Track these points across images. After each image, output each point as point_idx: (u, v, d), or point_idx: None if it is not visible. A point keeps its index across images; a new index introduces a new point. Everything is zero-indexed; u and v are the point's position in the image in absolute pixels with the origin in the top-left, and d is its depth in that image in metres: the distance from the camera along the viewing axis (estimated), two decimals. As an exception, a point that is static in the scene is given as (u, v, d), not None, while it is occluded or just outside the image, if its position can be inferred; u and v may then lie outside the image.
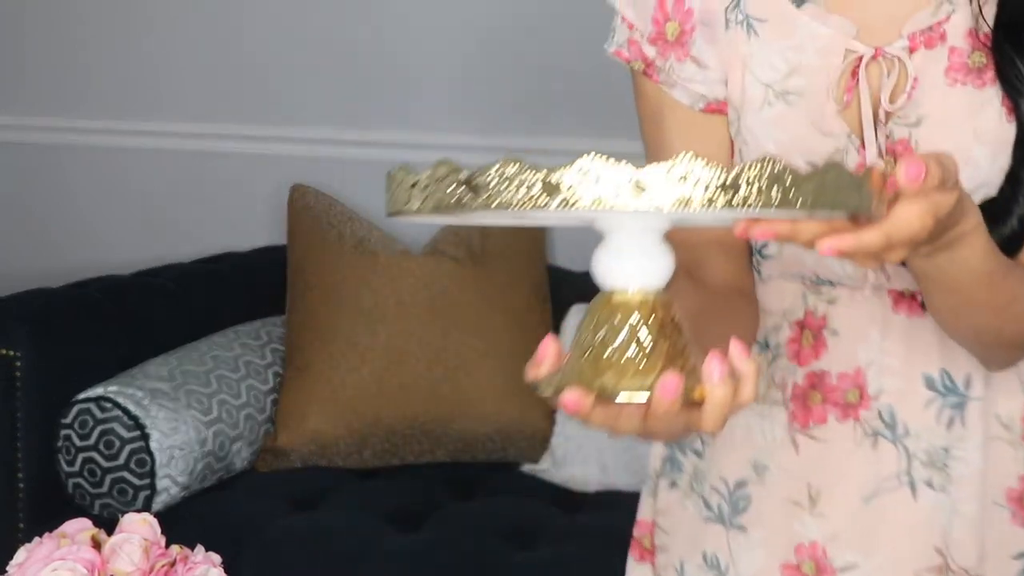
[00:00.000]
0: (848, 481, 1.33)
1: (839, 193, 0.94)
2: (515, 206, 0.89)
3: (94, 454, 2.61)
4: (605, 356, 0.97)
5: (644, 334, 0.97)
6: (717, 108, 1.33)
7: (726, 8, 1.32)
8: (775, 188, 0.91)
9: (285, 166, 3.29)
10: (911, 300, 1.32)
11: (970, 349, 1.30)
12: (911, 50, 1.28)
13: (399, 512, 2.63)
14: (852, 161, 1.28)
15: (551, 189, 0.89)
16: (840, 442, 1.33)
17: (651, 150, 1.37)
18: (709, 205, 0.89)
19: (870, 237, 1.00)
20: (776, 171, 0.91)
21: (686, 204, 0.89)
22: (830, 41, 1.29)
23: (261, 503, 2.67)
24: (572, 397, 0.96)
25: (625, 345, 0.97)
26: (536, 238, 3.07)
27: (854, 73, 1.29)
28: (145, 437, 2.60)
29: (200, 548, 1.37)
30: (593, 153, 0.89)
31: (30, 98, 3.51)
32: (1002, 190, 1.25)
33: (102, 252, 3.41)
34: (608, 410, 0.97)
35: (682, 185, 0.89)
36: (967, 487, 1.33)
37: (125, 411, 2.60)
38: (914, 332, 1.32)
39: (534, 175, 0.90)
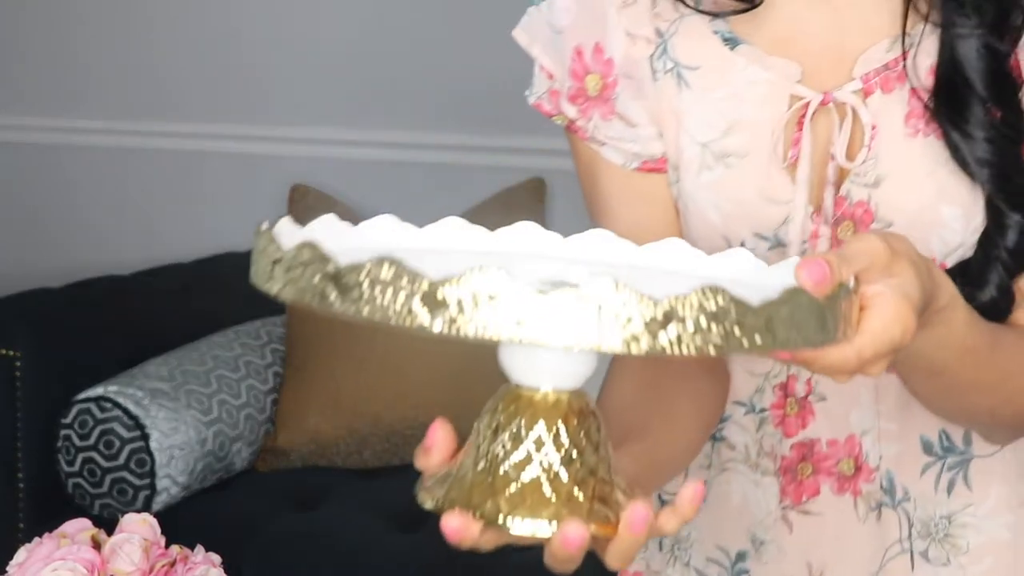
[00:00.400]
0: (852, 558, 1.19)
1: (796, 329, 0.78)
2: (390, 319, 0.74)
3: (94, 454, 2.61)
4: (502, 472, 0.81)
5: (551, 450, 0.81)
6: (655, 167, 1.17)
7: (651, 56, 1.15)
8: (714, 327, 0.74)
9: (285, 166, 3.29)
10: None
11: (968, 428, 1.16)
12: (865, 94, 1.11)
13: (399, 512, 2.63)
14: (806, 231, 1.12)
15: (433, 304, 0.73)
16: (837, 515, 1.19)
17: (591, 208, 1.21)
18: (631, 344, 0.73)
19: (838, 355, 0.85)
20: (717, 307, 0.74)
21: (599, 342, 0.73)
22: (771, 88, 1.12)
23: (261, 503, 2.67)
24: (453, 525, 0.81)
25: (526, 461, 0.81)
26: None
27: (801, 124, 1.11)
28: (145, 437, 2.60)
29: (200, 548, 1.38)
30: (494, 268, 0.73)
31: (31, 98, 3.51)
32: (976, 254, 1.10)
33: (102, 252, 3.41)
34: (501, 537, 0.83)
35: (597, 317, 0.73)
36: (987, 560, 1.18)
37: (125, 411, 2.61)
38: (909, 393, 1.15)
39: (414, 284, 0.74)
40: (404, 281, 0.74)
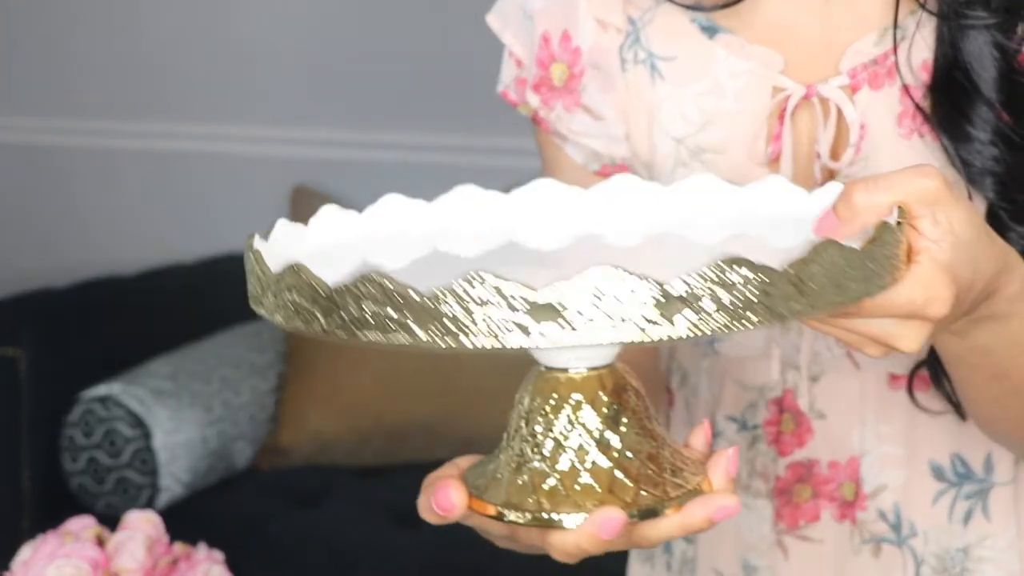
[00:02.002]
0: None
1: (834, 286, 0.69)
2: (380, 341, 0.68)
3: (97, 453, 2.62)
4: (537, 466, 0.76)
5: (583, 435, 0.75)
6: (614, 172, 1.07)
7: (620, 47, 1.07)
8: (738, 301, 0.67)
9: (287, 167, 3.30)
10: (915, 377, 1.07)
11: (1016, 449, 1.04)
12: (852, 90, 1.02)
13: (400, 510, 2.64)
14: None
15: (424, 317, 0.66)
16: (838, 543, 1.10)
17: None
18: (646, 333, 0.66)
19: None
20: (738, 279, 0.66)
21: (612, 337, 0.66)
22: (752, 78, 1.04)
23: (263, 501, 2.68)
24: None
25: (558, 451, 0.75)
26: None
27: (781, 117, 1.03)
28: (148, 436, 2.61)
29: (203, 546, 1.39)
30: (482, 276, 0.66)
31: (32, 99, 3.52)
32: None
33: (104, 252, 3.42)
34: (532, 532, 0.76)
35: (602, 310, 0.66)
36: None
37: (128, 410, 2.62)
38: (918, 412, 1.07)
39: (405, 297, 0.67)
40: (395, 296, 0.67)
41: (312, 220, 0.83)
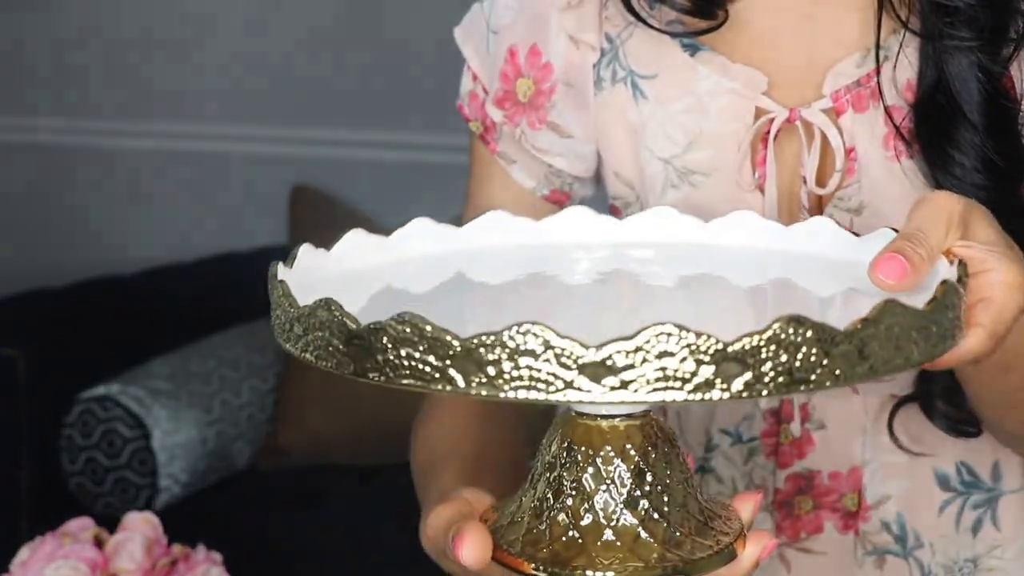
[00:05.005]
0: None
1: (896, 347, 0.65)
2: (416, 386, 0.65)
3: (96, 453, 2.62)
4: (559, 517, 0.72)
5: (611, 490, 0.71)
6: (560, 198, 1.07)
7: (595, 65, 1.04)
8: (797, 363, 0.63)
9: (286, 167, 3.30)
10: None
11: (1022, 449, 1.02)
12: (837, 112, 0.99)
13: (400, 511, 2.63)
14: None
15: (467, 366, 0.63)
16: (840, 555, 1.07)
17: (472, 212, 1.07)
18: (702, 395, 0.62)
19: (974, 343, 0.72)
20: (800, 339, 0.62)
21: (663, 397, 0.62)
22: (735, 98, 1.00)
23: (262, 502, 2.68)
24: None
25: (583, 503, 0.71)
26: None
27: (765, 140, 0.99)
28: (147, 436, 2.61)
29: (201, 547, 1.39)
30: (531, 326, 0.62)
31: (33, 99, 3.51)
32: None
33: (103, 252, 3.41)
34: None
35: (658, 372, 0.62)
36: None
37: (127, 410, 2.61)
38: (920, 420, 1.04)
39: (445, 343, 0.63)
40: (432, 340, 0.64)
41: (336, 246, 0.80)
